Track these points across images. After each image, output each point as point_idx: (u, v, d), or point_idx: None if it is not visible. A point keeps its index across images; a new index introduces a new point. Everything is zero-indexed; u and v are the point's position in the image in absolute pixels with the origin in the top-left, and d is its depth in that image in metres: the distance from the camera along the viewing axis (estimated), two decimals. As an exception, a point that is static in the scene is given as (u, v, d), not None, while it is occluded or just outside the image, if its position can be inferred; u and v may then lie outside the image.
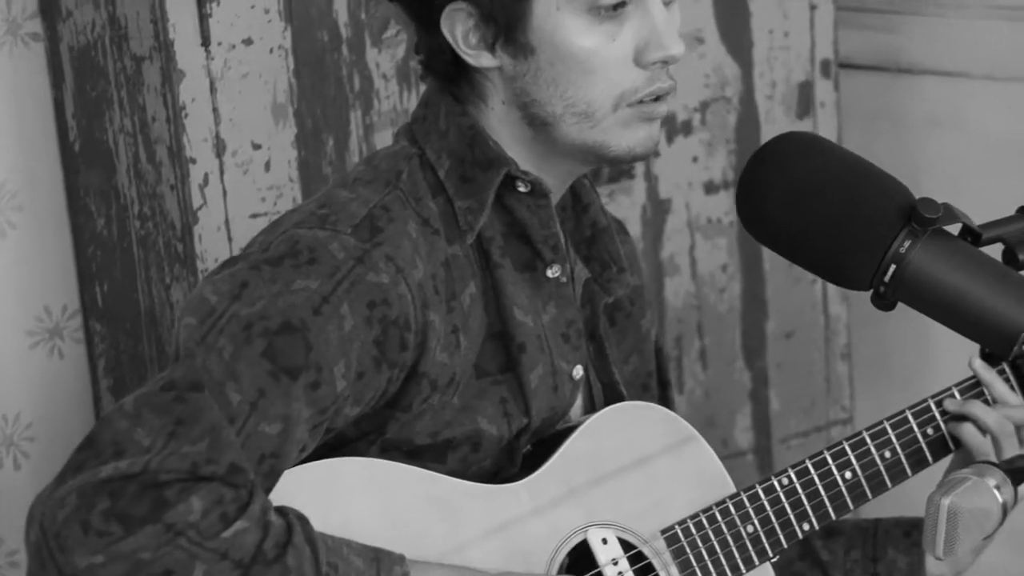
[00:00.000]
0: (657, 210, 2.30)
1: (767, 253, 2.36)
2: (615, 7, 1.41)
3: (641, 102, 1.43)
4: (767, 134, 2.33)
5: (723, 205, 2.33)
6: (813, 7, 2.34)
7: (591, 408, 1.59)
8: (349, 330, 1.35)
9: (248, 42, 1.97)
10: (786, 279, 2.39)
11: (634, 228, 2.27)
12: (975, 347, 1.65)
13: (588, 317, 1.57)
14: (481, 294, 1.46)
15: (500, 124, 1.46)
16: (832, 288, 2.41)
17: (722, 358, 2.37)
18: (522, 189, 1.47)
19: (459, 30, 1.43)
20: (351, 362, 1.35)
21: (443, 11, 1.43)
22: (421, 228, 1.42)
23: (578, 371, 1.52)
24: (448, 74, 1.47)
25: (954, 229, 1.45)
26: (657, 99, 1.44)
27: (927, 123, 2.48)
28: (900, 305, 1.49)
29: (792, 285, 2.39)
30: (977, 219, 1.56)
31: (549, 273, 1.49)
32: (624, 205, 2.26)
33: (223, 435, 1.28)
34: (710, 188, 2.32)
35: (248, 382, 1.31)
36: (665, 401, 1.69)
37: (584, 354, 1.54)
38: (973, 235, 1.44)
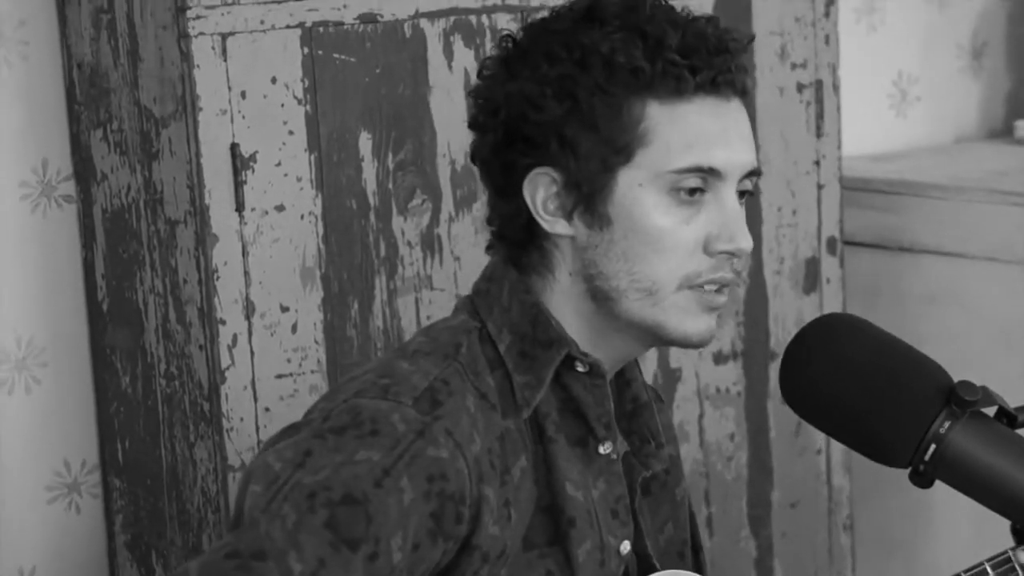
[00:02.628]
0: (668, 378, 2.34)
1: (773, 422, 2.40)
2: (693, 191, 1.46)
3: (703, 288, 1.47)
4: (774, 307, 2.38)
5: (731, 375, 2.37)
6: (820, 187, 2.41)
7: (627, 579, 1.60)
8: (408, 504, 1.37)
9: (280, 208, 2.02)
10: (791, 449, 2.42)
11: (645, 396, 2.30)
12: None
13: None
14: (532, 467, 1.48)
15: (563, 297, 1.50)
16: (836, 459, 2.45)
17: (729, 526, 2.39)
18: (580, 369, 1.50)
19: (540, 195, 1.48)
20: (408, 535, 1.37)
21: (528, 174, 1.48)
22: (479, 402, 1.45)
23: (625, 546, 1.54)
24: (519, 242, 1.50)
25: (990, 411, 1.50)
26: (718, 289, 1.48)
27: (927, 300, 2.54)
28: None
29: (797, 455, 2.43)
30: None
31: (601, 449, 1.52)
32: (636, 373, 2.30)
33: (285, 604, 1.30)
34: (719, 359, 2.37)
35: (310, 552, 1.33)
36: (698, 567, 1.70)
37: (631, 529, 1.56)
38: (1009, 417, 1.49)
